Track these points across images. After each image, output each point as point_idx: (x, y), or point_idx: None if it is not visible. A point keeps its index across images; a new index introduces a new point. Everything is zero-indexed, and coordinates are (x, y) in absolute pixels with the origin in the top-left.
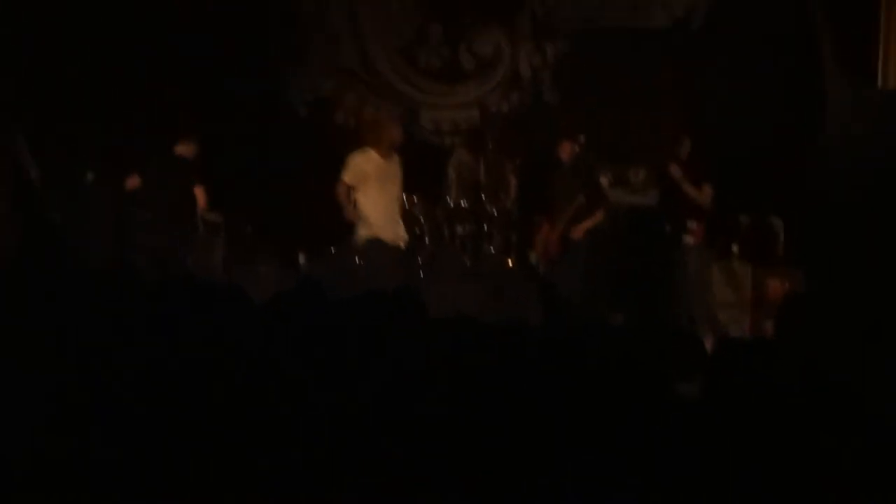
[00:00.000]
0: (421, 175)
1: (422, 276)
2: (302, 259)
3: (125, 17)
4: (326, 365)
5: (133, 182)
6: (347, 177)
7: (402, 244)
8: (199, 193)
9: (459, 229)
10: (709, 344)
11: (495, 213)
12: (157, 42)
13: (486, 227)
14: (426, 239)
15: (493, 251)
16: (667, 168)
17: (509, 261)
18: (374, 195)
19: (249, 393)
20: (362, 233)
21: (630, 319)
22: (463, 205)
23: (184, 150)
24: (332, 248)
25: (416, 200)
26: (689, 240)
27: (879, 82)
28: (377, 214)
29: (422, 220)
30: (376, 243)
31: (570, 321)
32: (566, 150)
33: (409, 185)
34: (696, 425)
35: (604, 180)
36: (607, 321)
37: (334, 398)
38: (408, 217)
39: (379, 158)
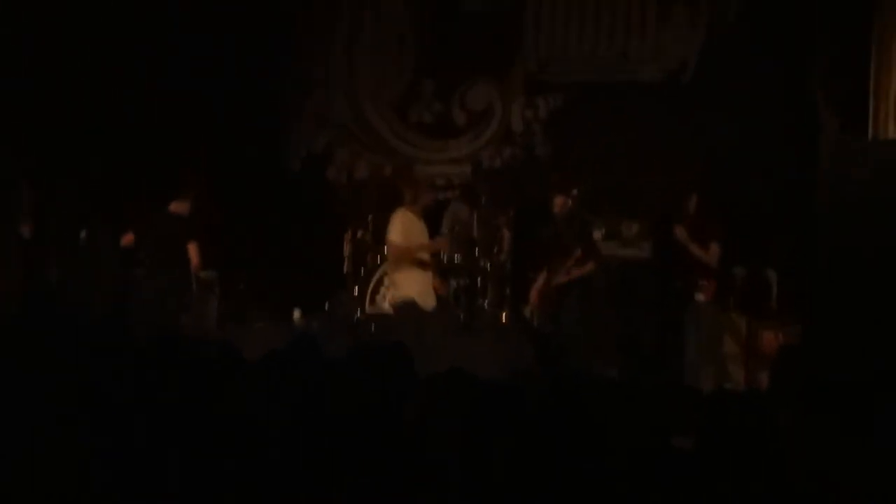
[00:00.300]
0: None
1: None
2: (296, 315)
3: (121, 76)
4: (319, 421)
5: (128, 239)
6: (397, 237)
7: (430, 304)
8: (193, 250)
9: (453, 283)
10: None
11: (489, 268)
12: (151, 99)
13: (479, 281)
14: None
15: (486, 305)
16: (673, 231)
17: (503, 315)
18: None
19: (242, 449)
20: (395, 293)
21: (624, 373)
22: (457, 259)
23: (178, 207)
24: (326, 304)
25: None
26: (700, 297)
27: (870, 133)
28: (411, 276)
29: None
30: (409, 305)
31: (565, 374)
32: (559, 204)
33: None
34: (692, 477)
35: (596, 234)
36: (602, 374)
37: (326, 454)
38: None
39: (416, 219)
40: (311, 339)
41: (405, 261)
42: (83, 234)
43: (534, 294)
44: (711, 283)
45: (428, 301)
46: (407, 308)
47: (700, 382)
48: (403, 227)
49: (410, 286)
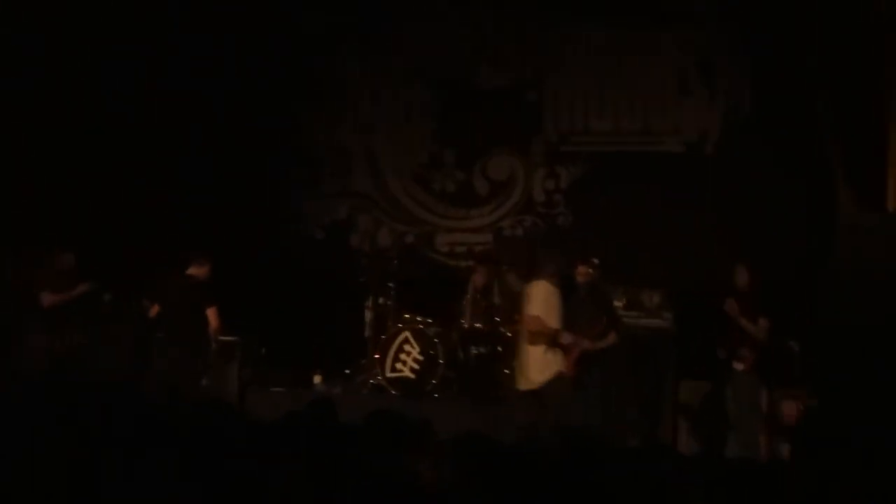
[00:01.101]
0: (436, 298)
1: (436, 396)
2: (317, 380)
3: (141, 139)
4: (335, 486)
5: (154, 309)
6: (537, 309)
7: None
8: (212, 314)
9: (474, 350)
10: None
11: (509, 335)
12: (173, 165)
13: (500, 349)
14: (440, 360)
15: (507, 372)
16: (723, 304)
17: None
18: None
19: None
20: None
21: (645, 442)
22: (478, 327)
23: (196, 271)
24: (347, 370)
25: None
26: (738, 366)
27: (890, 206)
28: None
29: (436, 342)
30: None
31: (586, 444)
32: (581, 273)
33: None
34: None
35: (617, 303)
36: (623, 444)
37: None
38: (423, 339)
39: (554, 289)
40: (327, 402)
41: (542, 337)
42: (107, 298)
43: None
44: (752, 353)
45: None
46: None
47: (728, 451)
48: (546, 299)
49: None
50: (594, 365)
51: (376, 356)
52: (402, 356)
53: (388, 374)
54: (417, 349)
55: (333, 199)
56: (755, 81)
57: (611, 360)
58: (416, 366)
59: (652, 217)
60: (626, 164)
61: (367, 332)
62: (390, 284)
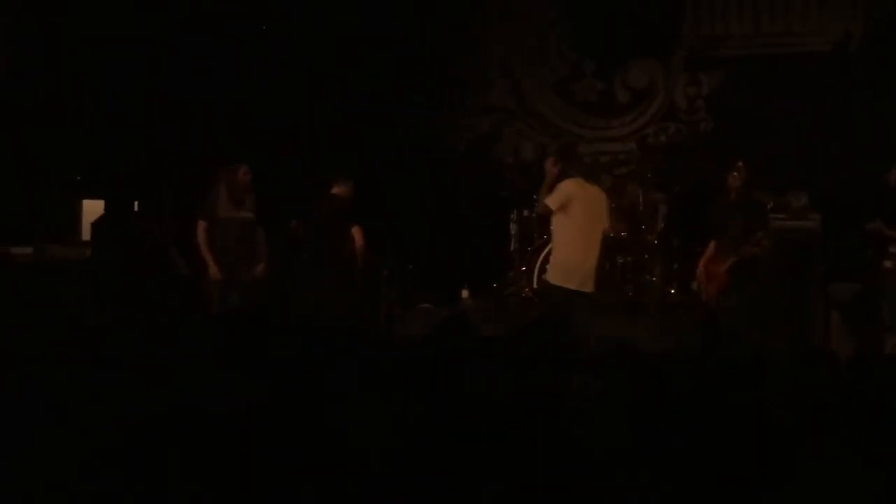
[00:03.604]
0: None
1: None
2: (464, 294)
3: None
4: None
5: (297, 226)
6: (552, 202)
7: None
8: (357, 234)
9: (620, 260)
10: None
11: (655, 243)
12: (319, 88)
13: (646, 257)
14: None
15: (654, 280)
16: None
17: (671, 290)
18: (577, 221)
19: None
20: (557, 256)
21: (793, 346)
22: (623, 235)
23: (340, 190)
24: (494, 284)
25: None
26: (888, 264)
27: None
28: (576, 239)
29: None
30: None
31: (733, 350)
32: (726, 180)
33: None
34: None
35: (765, 207)
36: (771, 350)
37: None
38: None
39: (589, 185)
40: (462, 316)
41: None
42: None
43: (701, 270)
44: None
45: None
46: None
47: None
48: (564, 192)
49: (575, 243)
50: (746, 271)
51: (522, 269)
52: (547, 268)
53: (536, 287)
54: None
55: (476, 114)
56: None
57: (761, 265)
58: None
59: (794, 120)
60: (767, 67)
61: (512, 246)
62: (535, 196)
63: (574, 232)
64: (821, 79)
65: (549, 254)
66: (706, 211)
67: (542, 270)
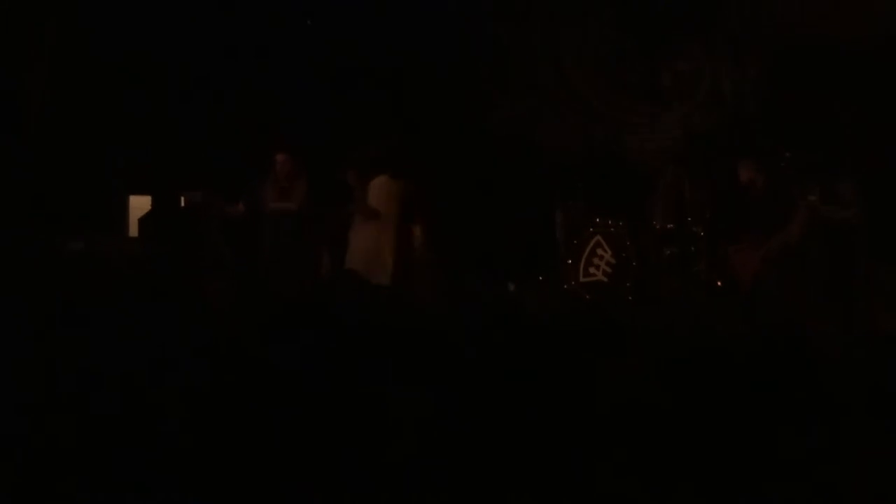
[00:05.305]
0: (626, 198)
1: (630, 298)
2: (511, 287)
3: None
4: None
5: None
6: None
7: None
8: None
9: (667, 251)
10: None
11: (701, 234)
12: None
13: (693, 248)
14: (633, 263)
15: (700, 271)
16: None
17: (718, 282)
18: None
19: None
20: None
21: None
22: (669, 227)
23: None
24: (541, 277)
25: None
26: None
27: None
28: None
29: (628, 244)
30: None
31: (778, 338)
32: (770, 168)
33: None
34: None
35: (812, 197)
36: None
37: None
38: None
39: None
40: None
41: None
42: None
43: (745, 258)
44: None
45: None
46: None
47: None
48: None
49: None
50: (787, 261)
51: (569, 262)
52: (595, 260)
53: (582, 279)
54: (610, 253)
55: (519, 99)
56: None
57: (806, 252)
58: (608, 269)
59: (842, 107)
60: (814, 53)
61: (558, 234)
62: (579, 184)
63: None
64: (867, 65)
65: (595, 246)
66: (750, 200)
67: (589, 263)
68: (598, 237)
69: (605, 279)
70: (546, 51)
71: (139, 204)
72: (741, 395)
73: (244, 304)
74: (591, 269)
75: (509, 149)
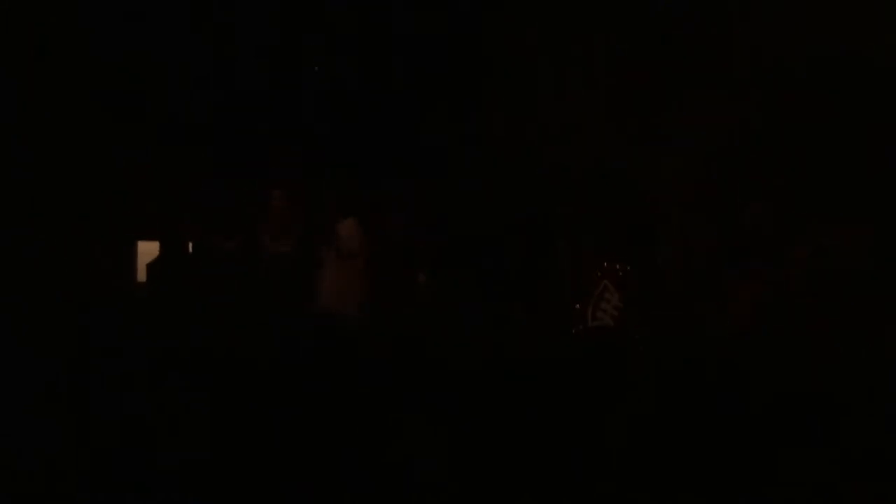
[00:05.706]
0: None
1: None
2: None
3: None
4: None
5: None
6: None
7: None
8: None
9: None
10: None
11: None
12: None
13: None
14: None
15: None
16: None
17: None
18: None
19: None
20: None
21: None
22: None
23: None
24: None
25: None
26: None
27: None
28: None
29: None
30: None
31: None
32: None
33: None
34: None
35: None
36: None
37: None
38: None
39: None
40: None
41: None
42: None
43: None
44: None
45: None
46: None
47: None
48: None
49: None
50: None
51: (577, 306)
52: (603, 304)
53: (591, 324)
54: (617, 296)
55: (520, 125)
56: None
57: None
58: (615, 313)
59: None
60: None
61: (561, 270)
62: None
63: None
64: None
65: (603, 290)
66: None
67: (597, 308)
68: (606, 282)
69: (612, 323)
70: (550, 84)
71: (147, 249)
72: None
73: None
74: (599, 314)
75: (509, 176)
